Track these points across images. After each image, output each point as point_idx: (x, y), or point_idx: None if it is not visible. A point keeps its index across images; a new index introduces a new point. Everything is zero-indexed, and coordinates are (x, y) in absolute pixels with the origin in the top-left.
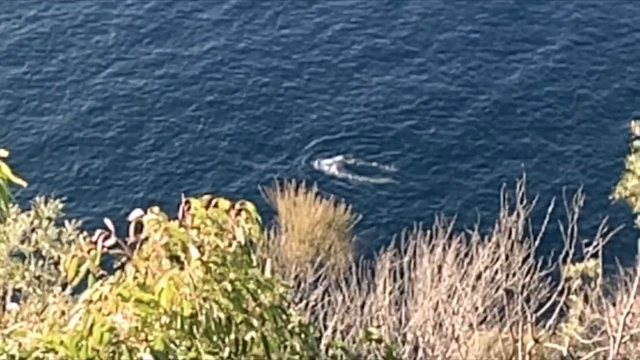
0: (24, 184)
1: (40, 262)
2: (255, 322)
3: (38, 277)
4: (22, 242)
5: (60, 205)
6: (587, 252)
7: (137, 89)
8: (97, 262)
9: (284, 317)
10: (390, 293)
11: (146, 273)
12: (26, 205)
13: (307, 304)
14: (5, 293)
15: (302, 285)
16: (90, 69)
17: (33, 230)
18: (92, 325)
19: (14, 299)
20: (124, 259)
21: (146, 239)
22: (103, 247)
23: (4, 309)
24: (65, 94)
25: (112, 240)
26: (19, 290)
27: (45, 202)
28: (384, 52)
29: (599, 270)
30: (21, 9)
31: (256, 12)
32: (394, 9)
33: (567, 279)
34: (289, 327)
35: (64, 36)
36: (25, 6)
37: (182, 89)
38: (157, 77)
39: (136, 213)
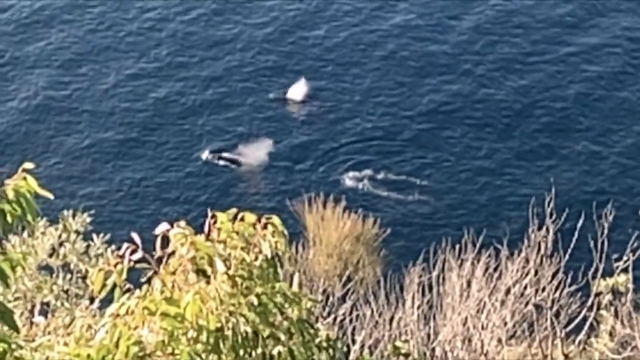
0: (51, 196)
1: (68, 276)
2: (282, 337)
3: (66, 291)
4: (51, 255)
5: (89, 219)
6: (618, 266)
7: (165, 99)
8: (124, 275)
9: (311, 331)
10: (418, 307)
11: (173, 287)
12: (54, 218)
13: (335, 318)
14: (33, 306)
15: (330, 299)
16: (122, 83)
17: (61, 243)
18: (118, 339)
19: (42, 312)
20: (150, 273)
21: (173, 252)
22: (130, 261)
23: (31, 322)
24: (89, 103)
25: (139, 254)
26: (47, 303)
27: (74, 216)
28: (413, 66)
29: (630, 285)
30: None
31: (283, 20)
32: (413, 20)
33: (597, 294)
34: (317, 341)
35: (88, 47)
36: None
37: (206, 97)
38: (188, 87)
39: (163, 227)
